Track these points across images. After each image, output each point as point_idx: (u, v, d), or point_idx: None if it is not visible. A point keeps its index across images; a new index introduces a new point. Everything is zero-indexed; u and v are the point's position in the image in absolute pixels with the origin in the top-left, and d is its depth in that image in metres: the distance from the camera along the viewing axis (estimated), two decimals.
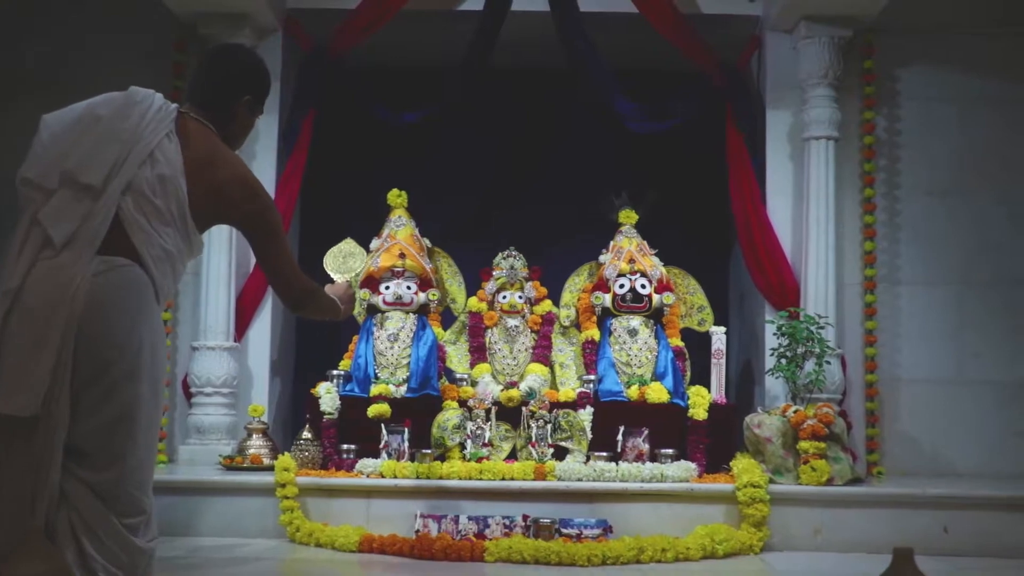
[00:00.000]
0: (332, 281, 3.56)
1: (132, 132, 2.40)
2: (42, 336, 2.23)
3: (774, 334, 5.06)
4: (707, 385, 5.08)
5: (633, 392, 5.05)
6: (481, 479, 4.50)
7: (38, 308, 2.25)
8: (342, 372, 5.11)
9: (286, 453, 4.65)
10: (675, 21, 5.32)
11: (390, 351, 5.11)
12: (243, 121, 2.66)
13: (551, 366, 5.28)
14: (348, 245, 4.30)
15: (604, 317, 5.31)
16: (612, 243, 5.44)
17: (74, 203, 2.32)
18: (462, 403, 4.89)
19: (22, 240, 2.32)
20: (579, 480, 4.52)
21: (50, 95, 5.58)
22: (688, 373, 5.29)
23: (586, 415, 4.89)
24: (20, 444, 2.23)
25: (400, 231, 5.30)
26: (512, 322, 5.29)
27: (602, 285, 5.31)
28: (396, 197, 5.39)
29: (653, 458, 4.76)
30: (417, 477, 4.52)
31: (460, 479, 4.51)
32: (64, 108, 2.51)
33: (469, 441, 4.74)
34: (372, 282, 5.23)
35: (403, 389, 5.03)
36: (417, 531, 4.30)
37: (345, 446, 4.79)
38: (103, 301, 2.28)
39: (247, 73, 2.66)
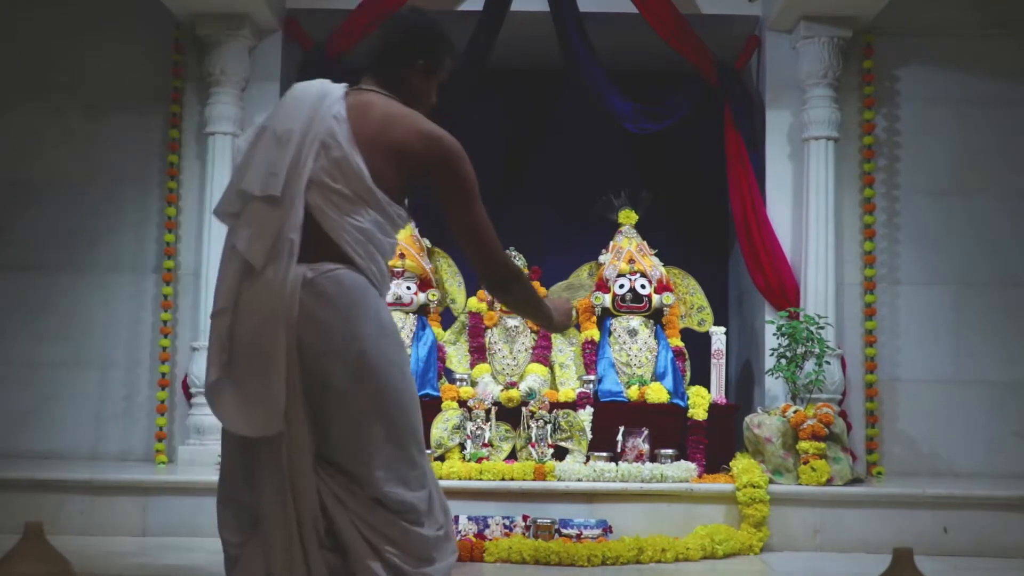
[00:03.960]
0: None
1: (300, 131, 2.34)
2: (268, 356, 2.21)
3: (774, 334, 5.06)
4: (707, 385, 5.09)
5: (633, 392, 5.05)
6: (481, 479, 4.50)
7: (257, 330, 2.23)
8: None
9: None
10: (674, 21, 5.33)
11: None
12: (418, 88, 2.52)
13: (551, 366, 5.28)
14: (578, 279, 4.66)
15: (604, 317, 5.31)
16: (612, 243, 5.44)
17: (262, 219, 2.28)
18: (462, 403, 4.89)
19: (227, 263, 2.31)
20: (579, 480, 4.52)
21: (47, 96, 5.68)
22: (688, 373, 5.29)
23: (586, 415, 4.89)
24: (272, 465, 2.23)
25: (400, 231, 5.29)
26: (512, 322, 5.29)
27: (602, 285, 5.31)
28: None
29: (653, 458, 4.76)
30: None
31: (460, 479, 4.51)
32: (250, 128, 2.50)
33: (469, 441, 4.74)
34: None
35: None
36: None
37: None
38: (316, 309, 2.25)
39: (416, 36, 2.51)
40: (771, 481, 4.52)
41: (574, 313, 3.01)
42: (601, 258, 5.41)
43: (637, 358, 5.18)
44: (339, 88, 2.45)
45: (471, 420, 4.77)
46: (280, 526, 2.22)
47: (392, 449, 2.28)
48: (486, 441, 4.77)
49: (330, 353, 2.24)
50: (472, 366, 5.22)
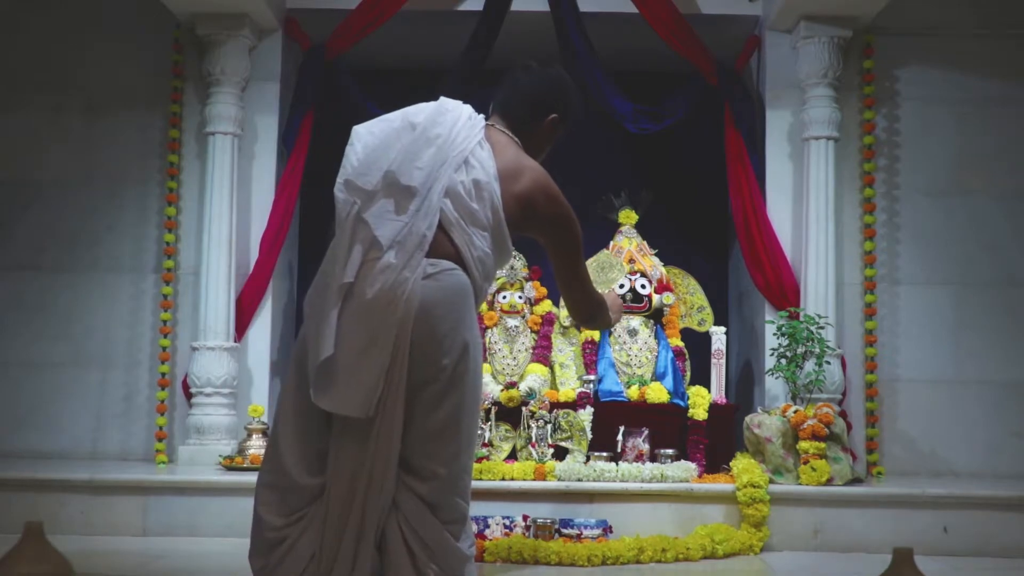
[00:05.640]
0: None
1: (446, 138, 2.41)
2: (376, 336, 2.23)
3: (774, 334, 5.06)
4: (707, 385, 5.09)
5: (633, 392, 5.05)
6: (481, 479, 4.49)
7: (372, 306, 2.24)
8: None
9: None
10: (674, 21, 5.33)
11: None
12: (543, 138, 2.66)
13: (551, 366, 5.28)
14: (607, 257, 4.61)
15: None
16: (612, 243, 5.44)
17: (397, 204, 2.32)
18: None
19: (350, 237, 2.32)
20: (579, 480, 4.52)
21: (47, 96, 5.68)
22: (688, 373, 5.29)
23: (586, 415, 4.89)
24: (352, 447, 2.24)
25: None
26: (512, 322, 5.29)
27: None
28: None
29: (653, 458, 4.76)
30: None
31: None
32: (376, 119, 2.50)
33: None
34: None
35: None
36: None
37: None
38: (434, 305, 2.28)
39: (556, 93, 2.65)
40: (771, 481, 4.52)
41: (622, 301, 3.19)
42: None
43: (637, 358, 5.18)
44: (480, 117, 2.54)
45: None
46: (344, 514, 2.23)
47: (463, 455, 2.33)
48: (486, 441, 4.77)
49: (441, 351, 2.27)
50: None
